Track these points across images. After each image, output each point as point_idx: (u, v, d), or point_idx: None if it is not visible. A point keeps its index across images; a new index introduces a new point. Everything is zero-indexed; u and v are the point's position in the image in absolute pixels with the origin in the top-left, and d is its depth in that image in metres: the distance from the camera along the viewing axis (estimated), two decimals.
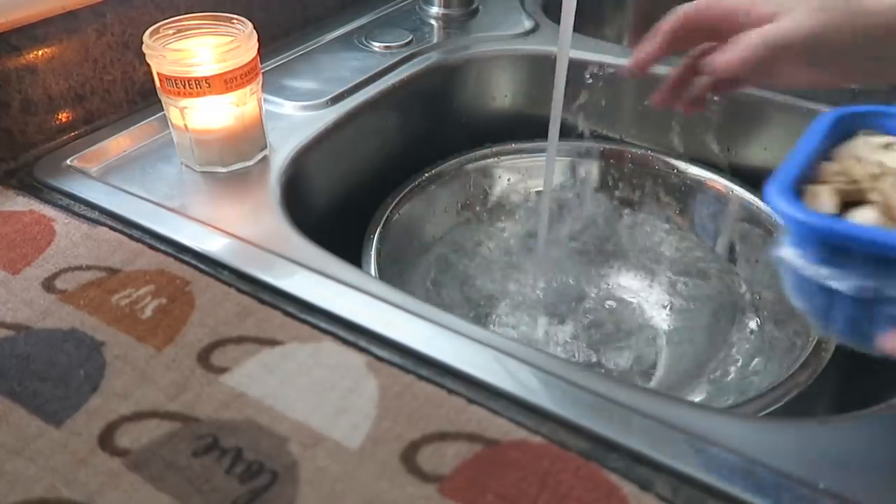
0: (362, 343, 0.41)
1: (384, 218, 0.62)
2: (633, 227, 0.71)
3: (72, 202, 0.51)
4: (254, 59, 0.52)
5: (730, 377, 0.57)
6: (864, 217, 0.34)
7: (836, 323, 0.33)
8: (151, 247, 0.47)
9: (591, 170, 0.73)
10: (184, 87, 0.51)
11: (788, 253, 0.32)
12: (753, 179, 0.65)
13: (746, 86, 0.53)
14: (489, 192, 0.73)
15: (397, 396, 0.37)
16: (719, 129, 0.69)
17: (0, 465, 0.34)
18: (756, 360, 0.58)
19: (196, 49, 0.51)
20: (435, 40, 0.75)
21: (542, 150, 0.69)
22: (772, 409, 0.46)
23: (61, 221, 0.49)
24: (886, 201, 0.33)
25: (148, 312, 0.42)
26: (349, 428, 0.36)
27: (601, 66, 0.67)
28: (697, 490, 0.33)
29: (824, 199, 0.33)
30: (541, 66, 0.74)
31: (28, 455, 0.34)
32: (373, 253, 0.58)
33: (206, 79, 0.50)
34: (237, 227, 0.49)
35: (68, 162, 0.55)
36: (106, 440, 0.35)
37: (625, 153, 0.72)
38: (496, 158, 0.72)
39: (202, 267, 0.46)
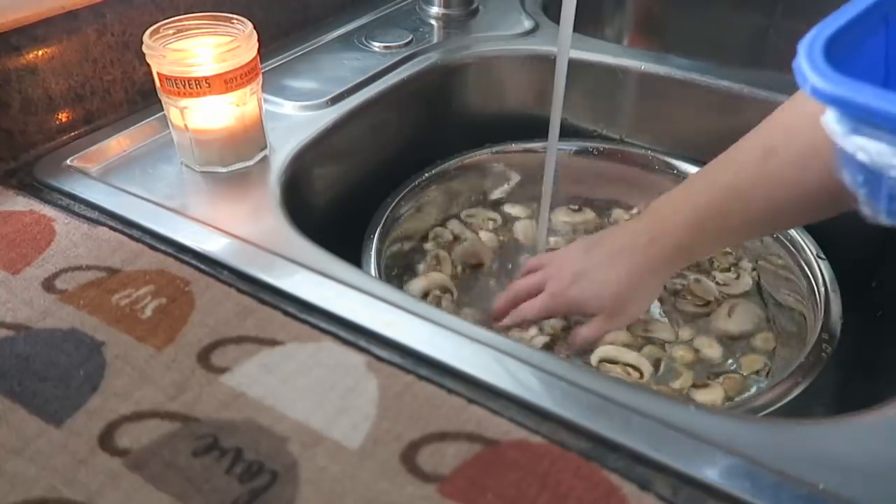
0: (362, 343, 0.41)
1: (384, 218, 0.62)
2: None
3: (72, 202, 0.51)
4: (254, 59, 0.52)
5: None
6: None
7: (880, 202, 0.29)
8: (151, 247, 0.47)
9: (591, 169, 0.73)
10: (184, 87, 0.51)
11: (826, 120, 0.28)
12: None
13: None
14: (489, 193, 0.73)
15: (397, 396, 0.37)
16: (719, 129, 0.69)
17: (0, 465, 0.34)
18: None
19: (196, 49, 0.51)
20: (435, 40, 0.75)
21: (541, 151, 0.69)
22: (772, 409, 0.46)
23: (61, 221, 0.49)
24: None
25: (148, 312, 0.42)
26: (349, 428, 0.36)
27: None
28: (697, 490, 0.33)
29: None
30: (541, 66, 0.74)
31: (28, 455, 0.34)
32: (373, 253, 0.58)
33: (206, 79, 0.50)
34: (237, 227, 0.49)
35: (68, 162, 0.55)
36: (106, 440, 0.35)
37: (625, 153, 0.72)
38: (496, 158, 0.72)
39: (202, 267, 0.46)
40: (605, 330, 0.56)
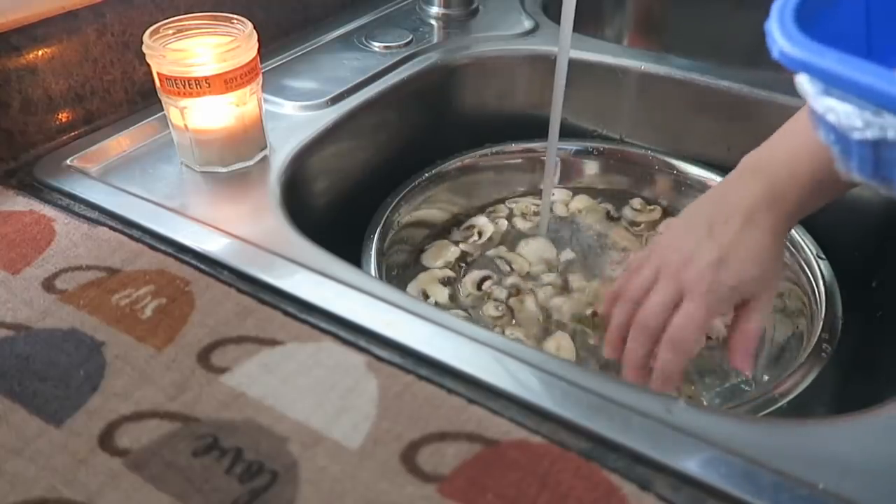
0: (362, 343, 0.41)
1: (384, 218, 0.62)
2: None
3: (72, 202, 0.51)
4: (254, 59, 0.52)
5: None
6: None
7: (853, 162, 0.29)
8: (151, 247, 0.47)
9: (592, 170, 0.73)
10: (184, 87, 0.51)
11: (800, 81, 0.28)
12: None
13: None
14: (489, 193, 0.73)
15: (397, 396, 0.37)
16: (719, 129, 0.69)
17: (0, 465, 0.34)
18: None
19: (196, 49, 0.51)
20: (435, 40, 0.75)
21: (542, 151, 0.69)
22: (772, 409, 0.46)
23: (61, 221, 0.49)
24: None
25: (148, 312, 0.42)
26: (349, 428, 0.36)
27: None
28: (697, 490, 0.33)
29: None
30: (541, 66, 0.74)
31: (28, 455, 0.34)
32: (373, 253, 0.58)
33: (206, 79, 0.50)
34: (237, 227, 0.49)
35: (68, 162, 0.55)
36: (106, 440, 0.35)
37: (625, 153, 0.72)
38: (496, 158, 0.72)
39: (202, 267, 0.46)
40: (767, 312, 0.50)
